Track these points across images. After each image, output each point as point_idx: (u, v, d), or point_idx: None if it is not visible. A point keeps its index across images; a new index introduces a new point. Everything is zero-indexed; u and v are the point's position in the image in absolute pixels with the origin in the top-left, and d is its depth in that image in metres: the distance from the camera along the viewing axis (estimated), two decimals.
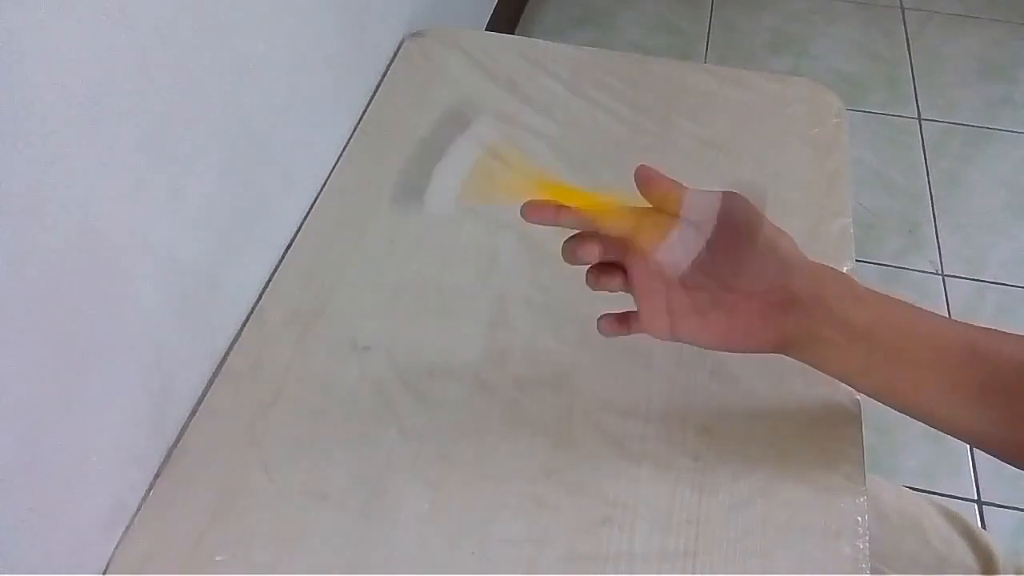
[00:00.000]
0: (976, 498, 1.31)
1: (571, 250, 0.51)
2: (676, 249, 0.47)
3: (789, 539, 0.56)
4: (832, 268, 0.51)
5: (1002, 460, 0.51)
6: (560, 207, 0.49)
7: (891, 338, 0.49)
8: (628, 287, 0.53)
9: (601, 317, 0.56)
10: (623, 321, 0.55)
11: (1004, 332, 0.49)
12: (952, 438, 0.52)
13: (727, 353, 0.66)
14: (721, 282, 0.50)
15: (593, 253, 0.51)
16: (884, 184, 1.78)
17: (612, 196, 0.50)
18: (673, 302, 0.52)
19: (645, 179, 0.49)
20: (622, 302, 0.56)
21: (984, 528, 1.16)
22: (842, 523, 0.57)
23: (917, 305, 0.51)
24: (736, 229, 0.48)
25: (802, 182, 0.81)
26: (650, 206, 0.49)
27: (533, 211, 0.50)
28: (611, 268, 0.53)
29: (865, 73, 2.05)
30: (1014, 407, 0.47)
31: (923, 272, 1.62)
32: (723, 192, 0.48)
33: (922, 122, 1.92)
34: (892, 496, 0.74)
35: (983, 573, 0.70)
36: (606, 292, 0.54)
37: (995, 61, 2.09)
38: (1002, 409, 0.48)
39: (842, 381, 0.53)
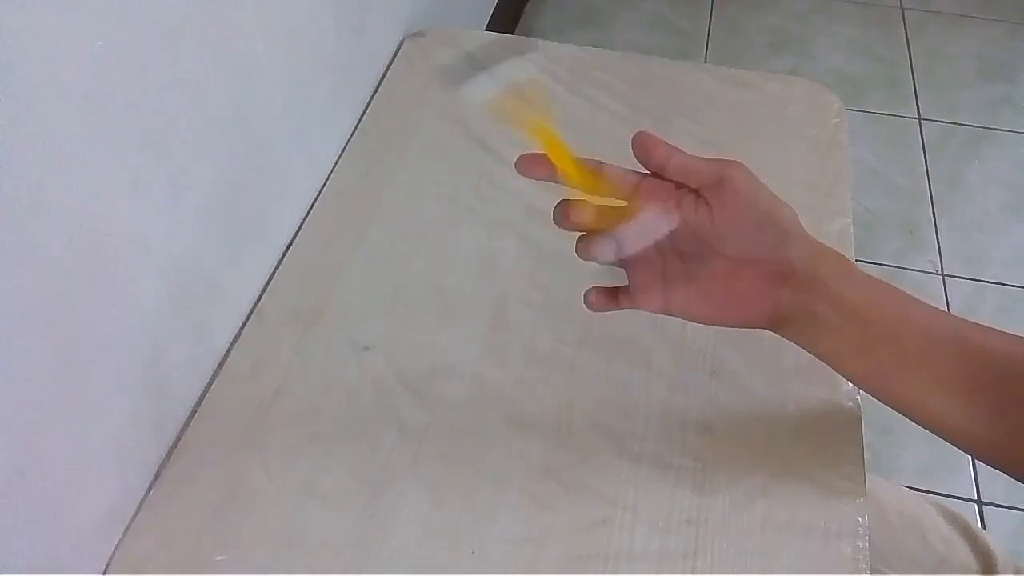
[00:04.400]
0: (976, 498, 1.31)
1: (563, 212, 0.49)
2: (633, 232, 0.47)
3: (789, 539, 0.56)
4: (829, 247, 0.50)
5: (982, 460, 0.51)
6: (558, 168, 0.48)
7: (883, 320, 0.49)
8: (618, 259, 0.51)
9: (589, 291, 0.53)
10: (613, 296, 0.53)
11: (993, 328, 0.49)
12: None
13: (726, 352, 0.66)
14: (718, 250, 0.49)
15: (587, 214, 0.49)
16: (884, 184, 1.78)
17: (605, 181, 0.49)
18: (667, 271, 0.51)
19: (643, 146, 0.48)
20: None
21: (984, 528, 1.16)
22: (842, 523, 0.57)
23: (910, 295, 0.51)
24: (736, 196, 0.47)
25: (802, 182, 0.81)
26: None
27: (527, 166, 0.48)
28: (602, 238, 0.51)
29: (865, 73, 2.05)
30: (998, 401, 0.47)
31: (923, 272, 1.62)
32: (724, 160, 0.47)
33: (922, 122, 1.92)
34: (892, 496, 0.74)
35: (983, 573, 0.70)
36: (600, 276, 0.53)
37: (995, 61, 2.09)
38: (987, 403, 0.47)
39: (830, 363, 0.52)
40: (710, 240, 0.49)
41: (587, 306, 0.53)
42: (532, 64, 0.49)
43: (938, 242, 1.67)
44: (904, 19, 2.21)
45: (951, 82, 2.03)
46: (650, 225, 0.47)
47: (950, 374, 0.48)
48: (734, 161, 0.48)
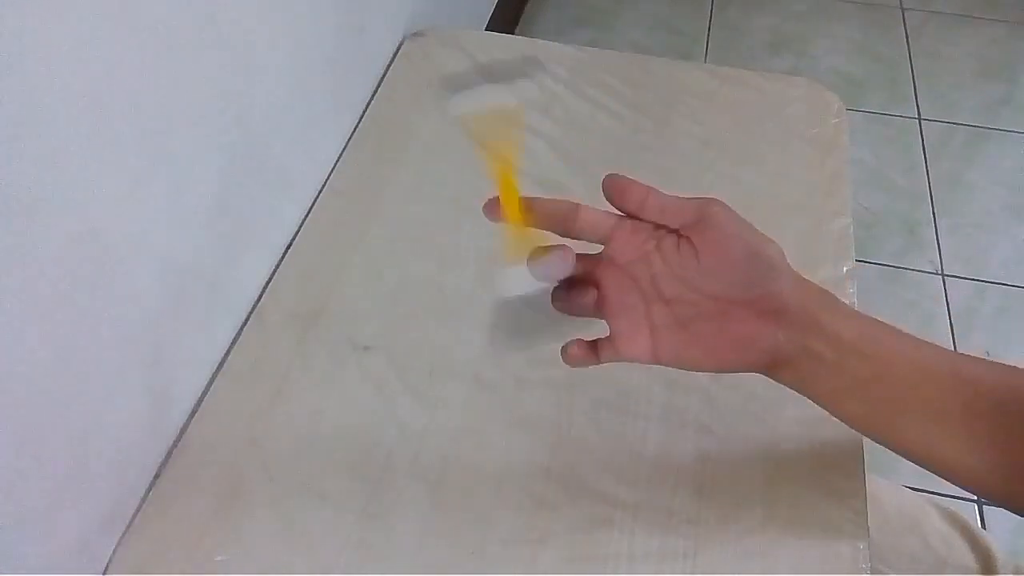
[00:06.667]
0: (976, 498, 1.31)
1: (540, 259, 0.46)
2: (553, 263, 0.46)
3: (789, 539, 0.56)
4: (812, 282, 0.48)
5: (983, 496, 0.49)
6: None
7: (878, 355, 0.47)
8: (598, 308, 0.49)
9: (566, 346, 0.49)
10: (593, 348, 0.49)
11: (985, 359, 0.48)
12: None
13: None
14: (705, 291, 0.47)
15: (567, 259, 0.46)
16: (884, 184, 1.78)
17: (539, 218, 0.47)
18: (654, 318, 0.47)
19: (617, 189, 0.46)
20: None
21: (984, 528, 1.16)
22: (842, 523, 0.57)
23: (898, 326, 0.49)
24: (720, 233, 0.45)
25: (802, 182, 0.81)
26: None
27: (491, 212, 0.47)
28: (580, 284, 0.48)
29: (865, 73, 2.05)
30: (995, 432, 0.46)
31: (923, 272, 1.62)
32: (703, 198, 0.46)
33: (922, 122, 1.92)
34: (892, 496, 0.74)
35: (983, 573, 0.70)
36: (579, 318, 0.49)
37: (995, 61, 2.09)
38: (985, 435, 0.46)
39: (829, 405, 0.49)
40: (696, 281, 0.46)
41: (566, 360, 0.50)
42: (534, 86, 0.48)
43: (938, 242, 1.67)
44: (904, 19, 2.21)
45: (951, 82, 2.02)
46: (545, 270, 0.46)
47: (947, 406, 0.47)
48: (714, 199, 0.46)
